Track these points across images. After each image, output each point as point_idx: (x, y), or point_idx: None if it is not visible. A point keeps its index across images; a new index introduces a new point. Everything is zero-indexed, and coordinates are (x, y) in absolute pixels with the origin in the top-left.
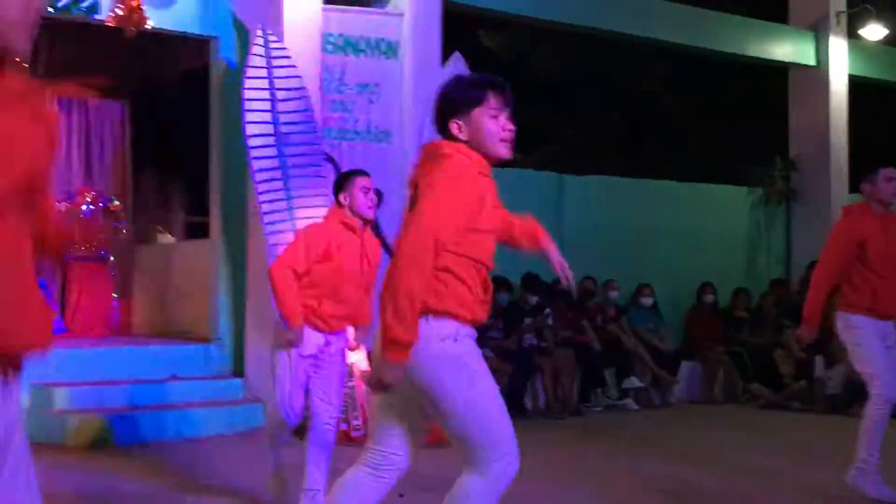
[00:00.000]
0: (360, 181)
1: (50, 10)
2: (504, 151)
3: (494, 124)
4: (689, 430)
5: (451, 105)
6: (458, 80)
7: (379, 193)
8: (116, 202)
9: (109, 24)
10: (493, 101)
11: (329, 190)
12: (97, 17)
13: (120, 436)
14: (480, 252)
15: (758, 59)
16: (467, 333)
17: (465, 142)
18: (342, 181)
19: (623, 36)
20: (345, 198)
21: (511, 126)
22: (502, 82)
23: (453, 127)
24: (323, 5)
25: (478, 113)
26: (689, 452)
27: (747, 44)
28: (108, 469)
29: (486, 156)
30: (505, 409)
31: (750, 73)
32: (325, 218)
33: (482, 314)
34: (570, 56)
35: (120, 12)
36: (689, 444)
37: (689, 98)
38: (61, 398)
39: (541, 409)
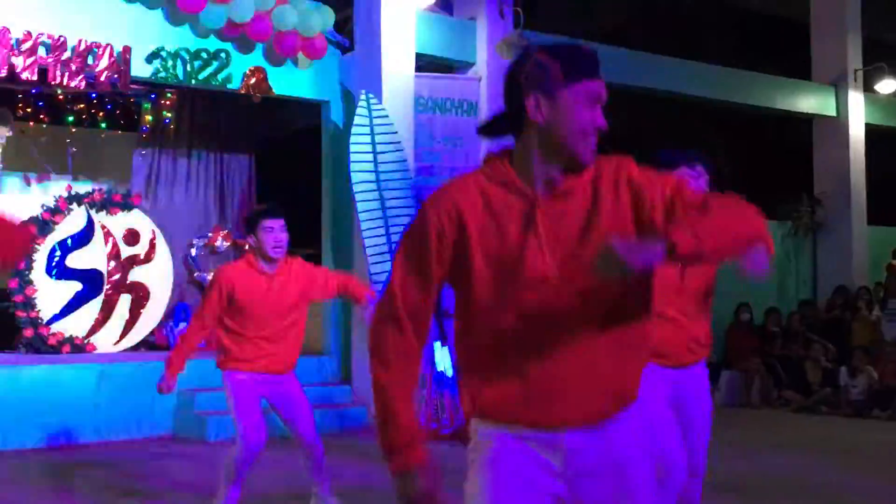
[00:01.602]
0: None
1: (192, 81)
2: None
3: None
4: (729, 430)
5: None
6: (661, 152)
7: None
8: (245, 238)
9: (241, 92)
10: (696, 166)
11: None
12: (231, 86)
13: None
14: None
15: (785, 111)
16: None
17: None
18: None
19: (671, 94)
20: None
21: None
22: (698, 154)
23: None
24: (415, 73)
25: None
26: (731, 448)
27: (776, 98)
28: None
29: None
30: None
31: (779, 122)
32: None
33: None
34: (621, 113)
35: (249, 82)
36: (731, 441)
37: (729, 145)
38: (202, 401)
39: None
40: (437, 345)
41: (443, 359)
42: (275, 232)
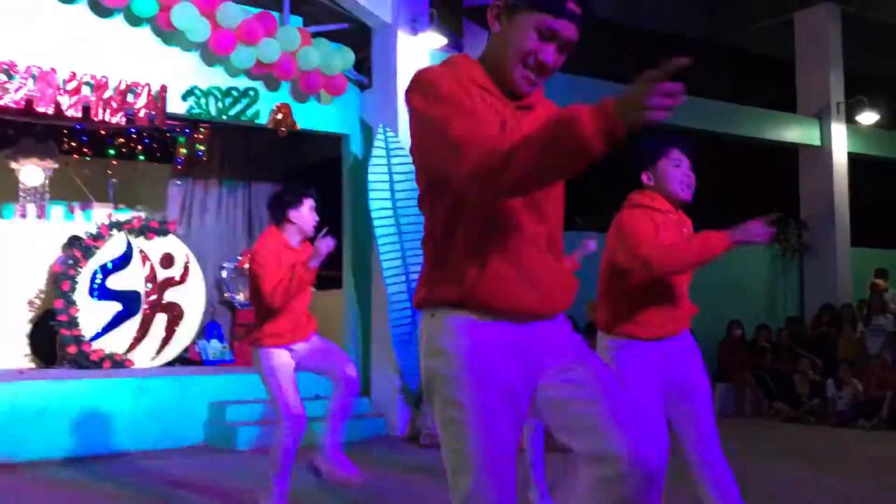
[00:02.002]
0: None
1: (223, 117)
2: (684, 194)
3: (677, 172)
4: (724, 440)
5: (642, 158)
6: (644, 140)
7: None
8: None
9: (268, 127)
10: (674, 153)
11: None
12: (259, 121)
13: None
14: None
15: (773, 141)
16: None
17: (653, 188)
18: None
19: (668, 125)
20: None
21: (690, 173)
22: (679, 139)
23: (643, 176)
24: None
25: (663, 163)
26: (727, 457)
27: (764, 129)
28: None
29: (670, 199)
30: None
31: (768, 152)
32: None
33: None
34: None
35: (276, 117)
36: (726, 451)
37: (719, 174)
38: (231, 413)
39: None
40: None
41: None
42: (313, 212)
